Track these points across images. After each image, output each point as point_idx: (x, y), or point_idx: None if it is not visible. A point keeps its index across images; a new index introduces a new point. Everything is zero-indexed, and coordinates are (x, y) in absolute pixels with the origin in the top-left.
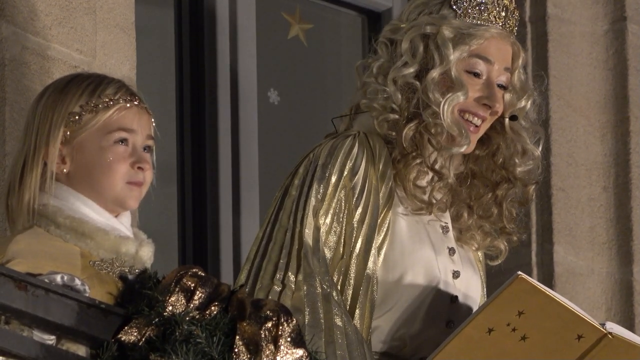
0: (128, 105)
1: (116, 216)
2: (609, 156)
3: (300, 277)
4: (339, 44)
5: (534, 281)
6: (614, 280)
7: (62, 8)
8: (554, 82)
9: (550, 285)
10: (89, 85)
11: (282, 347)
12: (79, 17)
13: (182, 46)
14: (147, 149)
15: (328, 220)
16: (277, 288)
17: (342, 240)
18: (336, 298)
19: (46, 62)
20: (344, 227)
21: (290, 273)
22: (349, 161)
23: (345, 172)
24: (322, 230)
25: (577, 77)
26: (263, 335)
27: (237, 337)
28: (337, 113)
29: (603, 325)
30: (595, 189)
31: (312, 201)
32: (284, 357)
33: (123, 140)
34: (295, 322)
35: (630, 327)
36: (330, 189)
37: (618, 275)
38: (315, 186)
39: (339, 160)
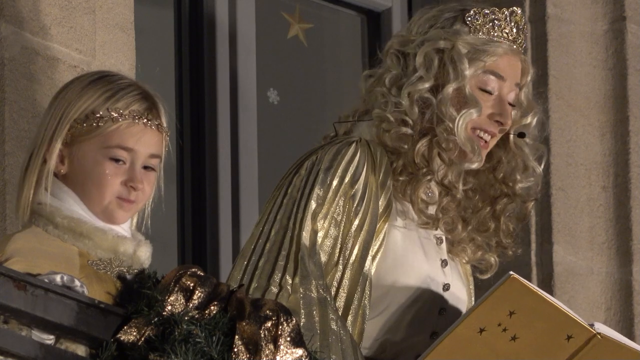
0: (135, 122)
1: None
2: (609, 156)
3: (297, 279)
4: (338, 44)
5: (526, 281)
6: (614, 280)
7: (62, 8)
8: (554, 82)
9: (549, 285)
10: (104, 94)
11: (281, 347)
12: (79, 16)
13: (182, 46)
14: (148, 167)
15: (326, 224)
16: (275, 289)
17: (339, 245)
18: (331, 303)
19: (45, 62)
20: (341, 233)
21: (287, 275)
22: (350, 167)
23: (347, 179)
24: (319, 234)
25: (576, 76)
26: (262, 335)
27: (237, 336)
28: (336, 113)
29: (592, 325)
30: (595, 188)
31: (312, 205)
32: (284, 357)
33: (118, 160)
34: (295, 321)
35: (630, 327)
36: (330, 194)
37: (617, 275)
38: (316, 190)
39: (341, 166)
